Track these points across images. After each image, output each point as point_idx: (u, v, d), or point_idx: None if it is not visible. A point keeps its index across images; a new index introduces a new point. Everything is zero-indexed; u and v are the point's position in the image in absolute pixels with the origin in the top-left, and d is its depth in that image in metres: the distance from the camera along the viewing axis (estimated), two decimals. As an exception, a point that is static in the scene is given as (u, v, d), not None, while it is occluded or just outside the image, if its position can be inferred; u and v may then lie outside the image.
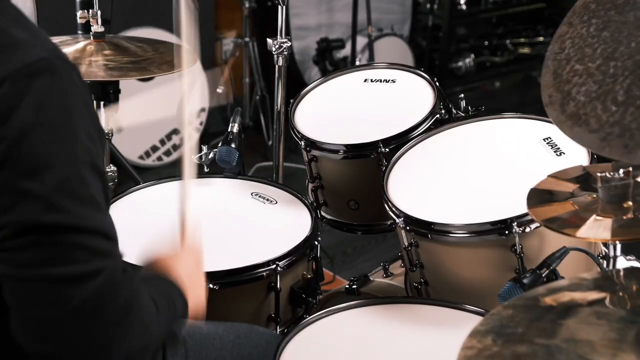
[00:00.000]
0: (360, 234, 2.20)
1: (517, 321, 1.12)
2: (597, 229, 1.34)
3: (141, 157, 4.25)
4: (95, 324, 1.06)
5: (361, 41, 4.83)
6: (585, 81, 1.33)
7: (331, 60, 4.74)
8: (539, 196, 1.46)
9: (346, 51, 4.83)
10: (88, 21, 2.18)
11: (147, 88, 4.08)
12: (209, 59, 4.60)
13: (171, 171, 3.83)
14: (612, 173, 1.37)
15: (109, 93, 2.16)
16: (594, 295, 1.17)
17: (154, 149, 4.29)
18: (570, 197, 1.44)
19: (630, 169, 1.38)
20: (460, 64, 5.62)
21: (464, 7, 5.52)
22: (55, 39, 2.20)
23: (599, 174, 1.38)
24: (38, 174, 1.03)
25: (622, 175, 1.37)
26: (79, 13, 2.20)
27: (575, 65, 1.38)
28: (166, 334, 1.28)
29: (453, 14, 5.47)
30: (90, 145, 1.08)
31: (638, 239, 1.33)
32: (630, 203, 1.37)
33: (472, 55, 5.65)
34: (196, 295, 1.37)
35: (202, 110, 4.45)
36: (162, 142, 4.32)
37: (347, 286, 2.06)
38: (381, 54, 4.87)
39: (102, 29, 2.14)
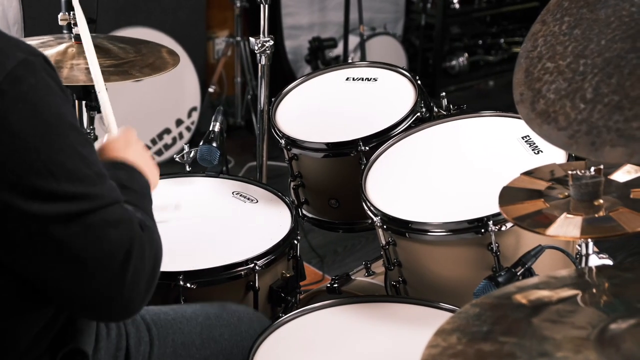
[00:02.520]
0: (342, 232, 2.20)
1: (483, 319, 1.12)
2: (567, 227, 1.33)
3: (132, 157, 4.25)
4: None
5: (354, 40, 4.84)
6: (555, 79, 1.33)
7: (323, 60, 4.74)
8: (511, 194, 1.46)
9: (339, 50, 4.84)
10: (70, 23, 2.16)
11: (137, 86, 4.09)
12: (201, 59, 4.60)
13: (162, 171, 3.82)
14: (582, 171, 1.36)
15: (90, 93, 2.15)
16: (563, 293, 1.17)
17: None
18: (543, 195, 1.44)
19: (602, 167, 1.38)
20: (453, 63, 5.62)
21: (457, 6, 5.51)
22: (37, 40, 2.20)
23: (569, 172, 1.38)
24: (51, 174, 1.10)
25: (593, 173, 1.36)
26: (60, 15, 2.18)
27: (547, 63, 1.38)
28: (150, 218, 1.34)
29: (446, 12, 5.47)
30: (75, 122, 1.17)
31: (608, 236, 1.33)
32: (602, 201, 1.37)
33: (466, 54, 5.64)
34: (147, 162, 1.45)
35: (194, 109, 4.46)
36: (154, 142, 4.32)
37: (329, 285, 2.06)
38: (374, 53, 4.87)
39: (83, 32, 2.13)
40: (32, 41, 2.18)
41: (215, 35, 4.81)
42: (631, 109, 1.18)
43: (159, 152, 4.33)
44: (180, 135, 4.40)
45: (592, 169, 1.37)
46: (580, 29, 1.39)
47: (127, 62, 2.12)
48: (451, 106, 2.09)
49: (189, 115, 4.44)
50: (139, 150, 1.46)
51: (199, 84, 4.45)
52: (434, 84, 5.41)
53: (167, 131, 4.37)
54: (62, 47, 2.13)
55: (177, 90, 4.38)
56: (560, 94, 1.30)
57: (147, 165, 1.44)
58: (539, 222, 1.36)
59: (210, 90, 4.59)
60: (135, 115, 4.19)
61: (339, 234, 2.24)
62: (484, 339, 1.07)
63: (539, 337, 1.06)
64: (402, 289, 1.81)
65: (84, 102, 2.19)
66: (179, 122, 4.40)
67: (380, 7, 5.33)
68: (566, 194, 1.41)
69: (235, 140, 4.53)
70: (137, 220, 1.21)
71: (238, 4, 4.50)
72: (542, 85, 1.34)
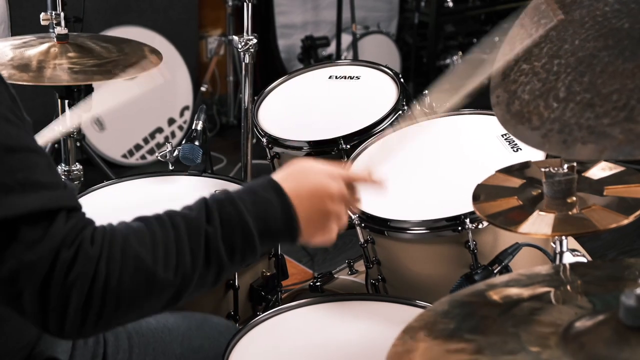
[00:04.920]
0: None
1: (451, 317, 1.12)
2: (539, 224, 1.33)
3: (124, 156, 4.25)
4: (65, 303, 1.03)
5: (347, 39, 4.83)
6: (530, 80, 1.33)
7: (316, 58, 4.74)
8: (485, 192, 1.46)
9: (332, 49, 4.83)
10: (52, 23, 2.16)
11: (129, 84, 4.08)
12: (194, 58, 4.60)
13: (155, 169, 3.82)
14: (555, 168, 1.36)
15: (72, 92, 2.15)
16: (534, 290, 1.17)
17: (137, 147, 4.29)
18: (517, 192, 1.43)
19: (575, 164, 1.38)
20: (448, 61, 5.61)
21: (450, 4, 5.50)
22: (19, 39, 2.19)
23: (542, 169, 1.37)
24: None
25: (566, 170, 1.36)
26: (42, 15, 2.18)
27: (523, 65, 1.38)
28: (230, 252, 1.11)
29: (440, 11, 5.46)
30: (5, 128, 1.05)
31: (579, 234, 1.33)
32: (575, 198, 1.37)
33: (460, 53, 5.63)
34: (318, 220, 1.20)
35: (186, 108, 4.46)
36: (146, 141, 4.32)
37: (311, 283, 2.06)
38: (367, 52, 4.86)
39: (65, 31, 2.13)
40: (15, 41, 2.17)
41: (208, 34, 4.81)
42: (602, 106, 1.18)
43: (150, 151, 4.33)
44: (173, 134, 4.40)
45: (566, 166, 1.37)
46: (556, 30, 1.39)
47: (110, 62, 2.12)
48: (434, 104, 2.08)
49: (181, 114, 4.44)
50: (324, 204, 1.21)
51: (191, 83, 4.45)
52: (428, 83, 5.39)
53: (160, 130, 4.36)
54: (44, 46, 2.13)
55: (170, 89, 4.37)
56: (534, 95, 1.30)
57: (314, 222, 1.19)
58: (512, 219, 1.36)
59: (203, 89, 4.59)
60: (128, 113, 4.19)
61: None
62: (450, 336, 1.07)
63: (506, 335, 1.06)
64: (381, 287, 1.81)
65: (66, 102, 2.19)
66: (171, 121, 4.40)
67: (374, 5, 5.33)
68: (540, 191, 1.41)
69: (227, 139, 4.53)
70: (60, 241, 1.03)
71: (230, 3, 4.50)
72: (517, 86, 1.34)
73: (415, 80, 5.33)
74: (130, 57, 2.14)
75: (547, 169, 1.37)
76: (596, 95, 1.22)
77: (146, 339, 1.51)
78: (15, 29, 3.10)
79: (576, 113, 1.22)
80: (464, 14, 5.74)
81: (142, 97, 4.22)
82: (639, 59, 1.18)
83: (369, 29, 5.08)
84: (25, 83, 1.96)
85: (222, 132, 4.71)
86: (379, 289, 1.81)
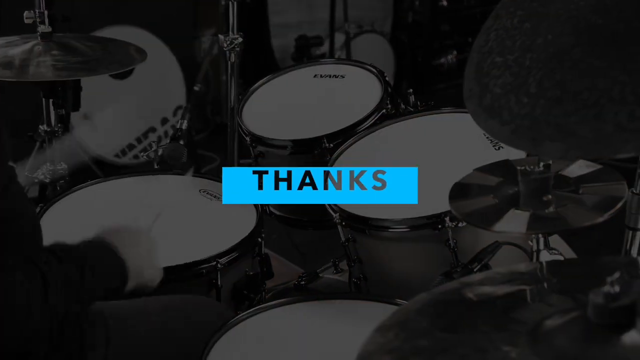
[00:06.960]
0: (312, 230, 2.20)
1: (424, 315, 1.12)
2: (514, 223, 1.33)
3: (117, 156, 4.24)
4: None
5: (341, 38, 4.83)
6: (502, 73, 1.33)
7: (310, 57, 4.73)
8: (462, 190, 1.46)
9: (325, 48, 4.83)
10: (37, 21, 2.15)
11: (123, 84, 4.07)
12: (188, 57, 4.60)
13: (147, 169, 3.81)
14: (531, 166, 1.36)
15: (57, 90, 2.15)
16: (508, 288, 1.17)
17: (130, 147, 4.29)
18: (493, 191, 1.43)
19: (551, 162, 1.37)
20: (442, 60, 5.60)
21: (445, 3, 5.49)
22: (2, 40, 2.19)
23: (518, 167, 1.37)
24: None
25: (541, 168, 1.36)
26: (25, 13, 2.17)
27: (496, 57, 1.37)
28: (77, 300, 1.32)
29: (435, 10, 5.45)
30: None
31: (556, 232, 1.33)
32: (550, 196, 1.36)
33: (455, 52, 5.62)
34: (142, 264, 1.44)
35: (180, 108, 4.45)
36: (139, 141, 4.32)
37: (295, 282, 2.06)
38: (361, 51, 4.85)
39: (49, 29, 2.13)
40: (-1, 41, 2.18)
41: (202, 34, 4.80)
42: (571, 104, 1.18)
43: (144, 151, 4.31)
44: (166, 134, 4.40)
45: (542, 164, 1.37)
46: (531, 23, 1.39)
47: (94, 59, 2.12)
48: (418, 103, 2.09)
49: (175, 113, 4.43)
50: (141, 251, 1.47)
51: (184, 83, 4.45)
52: (423, 82, 5.39)
53: (152, 130, 4.36)
54: (28, 45, 2.13)
55: (163, 89, 4.37)
56: (506, 89, 1.29)
57: (140, 266, 1.44)
58: (488, 217, 1.36)
59: (196, 88, 4.58)
60: (121, 113, 4.19)
61: (322, 231, 2.23)
62: (422, 334, 1.07)
63: (478, 333, 1.05)
64: (363, 286, 1.81)
65: (51, 100, 2.19)
66: (164, 121, 4.40)
67: (369, 4, 5.32)
68: (516, 189, 1.41)
69: (221, 139, 4.51)
70: None
71: (223, 2, 4.49)
72: (489, 79, 1.33)
73: (409, 79, 5.32)
74: (114, 55, 2.15)
75: (523, 167, 1.36)
76: (566, 92, 1.21)
77: (123, 322, 1.51)
78: (4, 29, 3.09)
79: (546, 110, 1.22)
80: (459, 13, 5.73)
81: (135, 97, 4.23)
82: (610, 57, 1.17)
83: (362, 28, 5.07)
84: (8, 79, 1.96)
85: (216, 132, 4.70)
86: (360, 287, 1.81)
